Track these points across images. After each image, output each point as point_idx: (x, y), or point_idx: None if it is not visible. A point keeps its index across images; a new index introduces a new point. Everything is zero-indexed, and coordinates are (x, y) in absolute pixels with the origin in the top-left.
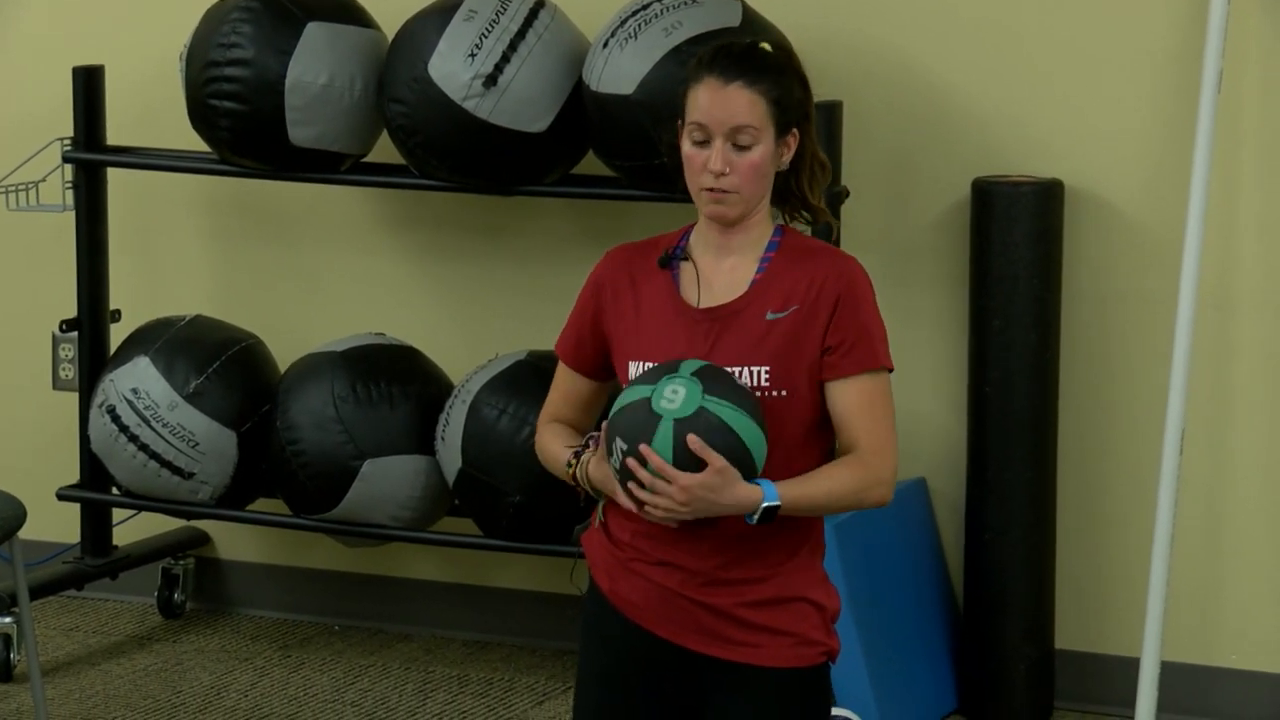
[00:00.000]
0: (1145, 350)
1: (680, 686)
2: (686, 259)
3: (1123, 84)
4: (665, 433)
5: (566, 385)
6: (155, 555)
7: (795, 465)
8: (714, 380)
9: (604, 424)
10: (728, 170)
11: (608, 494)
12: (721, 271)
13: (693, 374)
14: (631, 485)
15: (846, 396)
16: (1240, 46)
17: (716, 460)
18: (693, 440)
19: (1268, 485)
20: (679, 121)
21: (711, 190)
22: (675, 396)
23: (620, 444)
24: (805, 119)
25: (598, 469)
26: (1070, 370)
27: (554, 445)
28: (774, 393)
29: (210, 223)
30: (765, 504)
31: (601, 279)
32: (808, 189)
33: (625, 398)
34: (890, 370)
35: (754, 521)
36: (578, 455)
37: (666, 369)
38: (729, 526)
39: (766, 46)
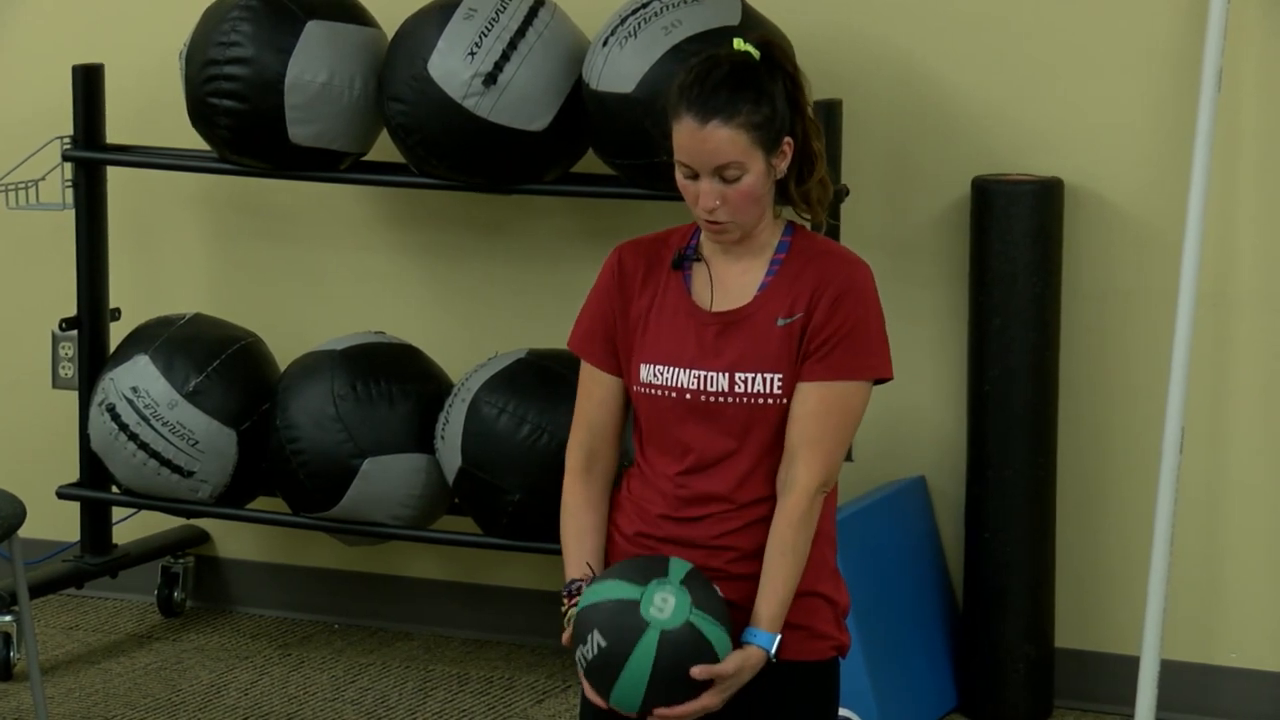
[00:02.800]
0: (1145, 348)
1: None
2: (699, 259)
3: (1122, 82)
4: (650, 643)
5: (600, 392)
6: (155, 554)
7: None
8: (700, 590)
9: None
10: (719, 203)
11: None
12: (733, 273)
13: (681, 582)
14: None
15: (809, 400)
16: (1239, 44)
17: (728, 668)
18: (697, 671)
19: (1268, 483)
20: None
21: (708, 222)
22: (665, 605)
23: (598, 638)
24: (797, 117)
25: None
26: (1070, 368)
27: (569, 536)
28: (784, 400)
29: (210, 221)
30: (771, 653)
31: (619, 274)
32: (792, 184)
33: (608, 591)
34: (882, 380)
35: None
36: (571, 594)
37: (654, 569)
38: (738, 520)
39: (745, 48)
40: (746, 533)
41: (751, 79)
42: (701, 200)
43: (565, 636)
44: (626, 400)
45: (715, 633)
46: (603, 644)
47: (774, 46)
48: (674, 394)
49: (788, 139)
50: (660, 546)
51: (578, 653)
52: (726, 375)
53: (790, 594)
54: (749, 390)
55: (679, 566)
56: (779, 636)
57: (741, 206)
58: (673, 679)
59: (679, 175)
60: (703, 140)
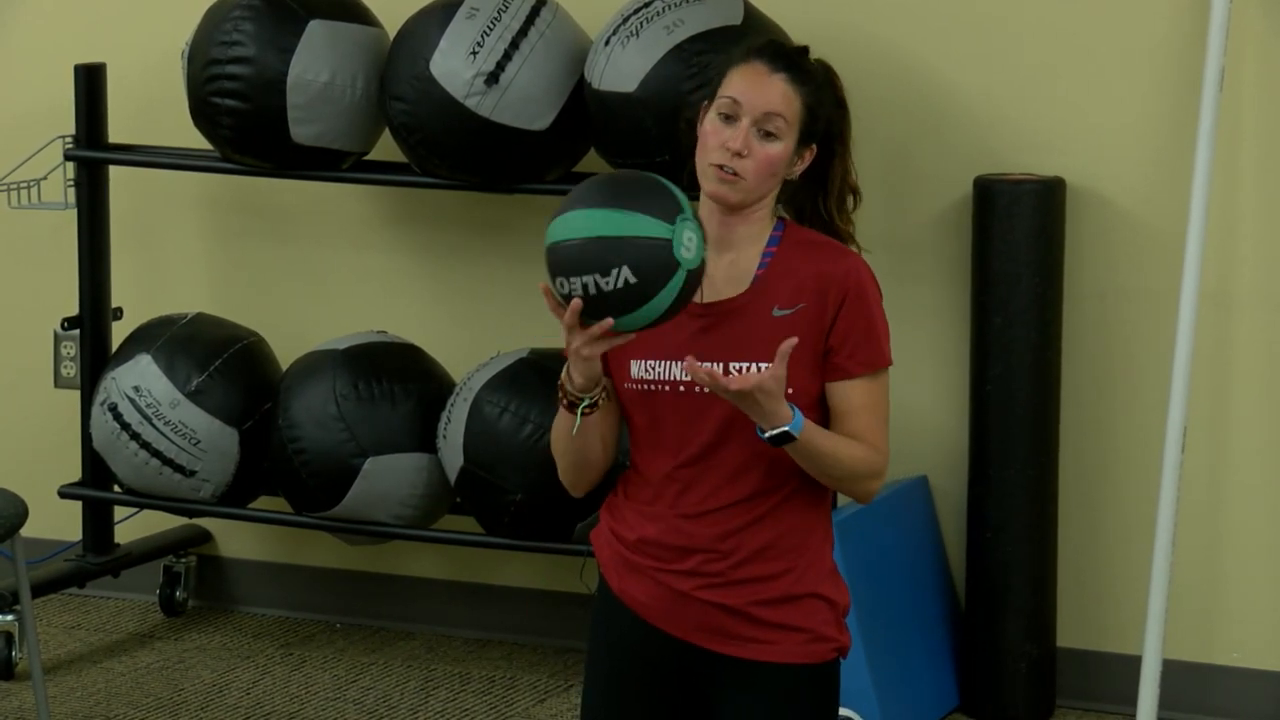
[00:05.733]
0: (1147, 348)
1: (691, 684)
2: None
3: (1124, 81)
4: (677, 282)
5: None
6: (157, 553)
7: (794, 461)
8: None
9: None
10: (746, 153)
11: (579, 378)
12: (721, 265)
13: (694, 216)
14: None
15: (850, 397)
16: (1240, 44)
17: (781, 369)
18: (783, 351)
19: (1269, 483)
20: (705, 102)
21: (721, 168)
22: (690, 244)
23: (627, 274)
24: (837, 139)
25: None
26: (1072, 368)
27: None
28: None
29: (212, 221)
30: (788, 428)
31: None
32: (835, 212)
33: (638, 227)
34: (890, 364)
35: (764, 435)
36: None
37: (669, 203)
38: (737, 518)
39: (814, 61)
40: (749, 532)
41: (817, 74)
42: (733, 140)
43: (567, 384)
44: (614, 400)
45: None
46: (631, 280)
47: (832, 74)
48: (666, 387)
49: (813, 147)
50: (663, 553)
51: (581, 280)
52: (720, 366)
53: (820, 451)
54: None
55: (683, 197)
56: (800, 427)
57: (761, 170)
58: (676, 313)
59: (712, 117)
60: (768, 84)
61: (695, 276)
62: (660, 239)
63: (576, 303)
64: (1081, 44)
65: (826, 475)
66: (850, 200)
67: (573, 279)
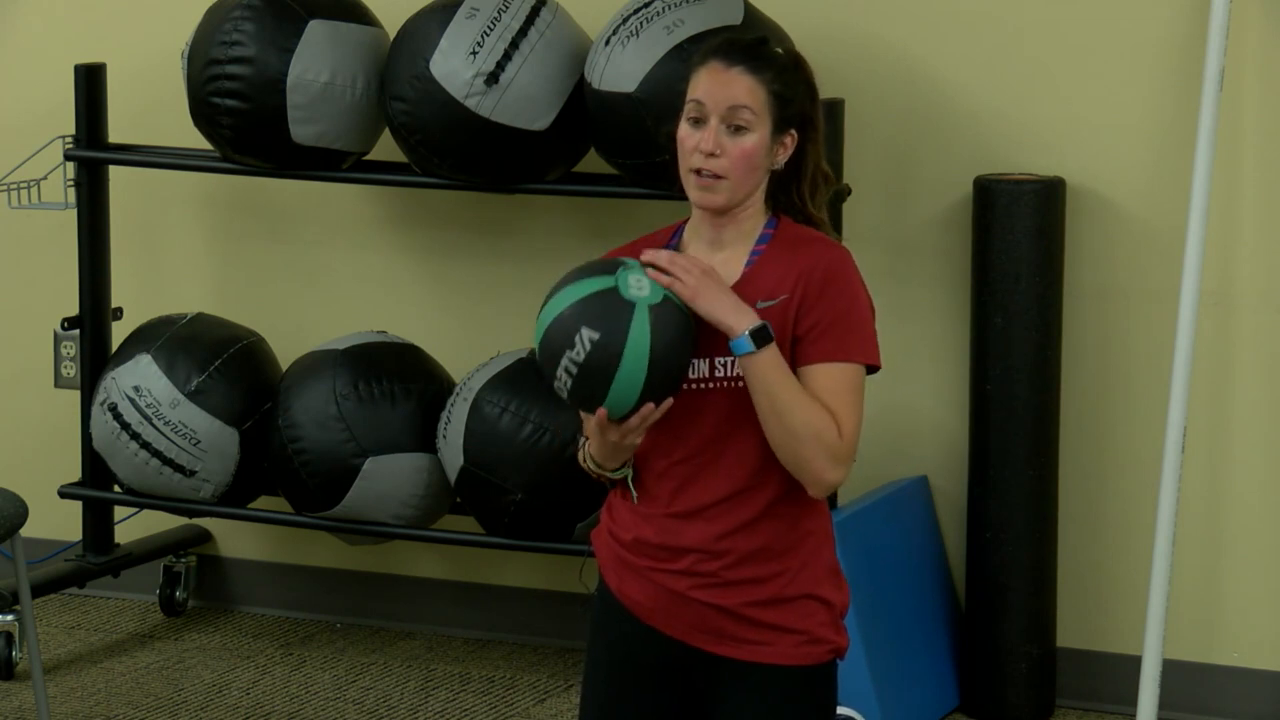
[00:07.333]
0: (1147, 347)
1: (688, 684)
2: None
3: (1124, 82)
4: (642, 321)
5: None
6: (157, 553)
7: (755, 394)
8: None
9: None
10: (718, 152)
11: (603, 459)
12: (714, 264)
13: (641, 268)
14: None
15: (812, 381)
16: (1241, 43)
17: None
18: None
19: (1269, 483)
20: (679, 114)
21: (699, 173)
22: (641, 285)
23: (588, 334)
24: (809, 125)
25: (594, 440)
26: (1072, 368)
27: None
28: None
29: (212, 221)
30: (762, 322)
31: None
32: (808, 198)
33: (577, 291)
34: (871, 367)
35: (743, 344)
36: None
37: (610, 264)
38: (731, 518)
39: (777, 49)
40: (742, 533)
41: (779, 60)
42: (704, 141)
43: (588, 462)
44: None
45: (687, 310)
46: (595, 336)
47: (799, 60)
48: None
49: (793, 133)
50: (658, 552)
51: (560, 367)
52: (706, 361)
53: (781, 388)
54: (729, 374)
55: (633, 261)
56: (771, 337)
57: (738, 165)
58: (668, 359)
59: (683, 126)
60: (726, 80)
61: (669, 315)
62: (601, 289)
63: (601, 411)
64: (1081, 44)
65: (785, 420)
66: (822, 187)
67: (556, 373)
